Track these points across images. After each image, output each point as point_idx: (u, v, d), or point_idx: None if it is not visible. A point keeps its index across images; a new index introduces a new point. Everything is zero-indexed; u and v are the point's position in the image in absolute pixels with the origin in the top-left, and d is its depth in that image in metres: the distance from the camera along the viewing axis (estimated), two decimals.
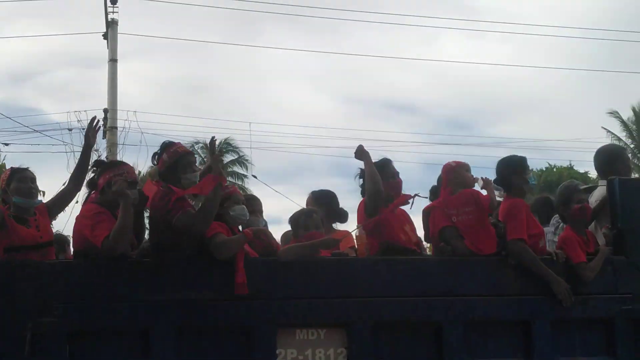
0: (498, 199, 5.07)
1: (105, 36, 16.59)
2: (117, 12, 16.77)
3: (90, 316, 3.92)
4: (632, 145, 37.50)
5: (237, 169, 43.16)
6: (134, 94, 62.08)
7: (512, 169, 4.91)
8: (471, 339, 4.37)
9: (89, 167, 4.56)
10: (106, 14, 16.72)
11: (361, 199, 4.91)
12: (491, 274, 4.58)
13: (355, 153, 4.73)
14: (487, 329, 4.48)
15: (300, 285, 4.24)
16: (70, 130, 16.82)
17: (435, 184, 5.15)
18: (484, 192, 4.91)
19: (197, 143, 38.01)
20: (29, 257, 4.09)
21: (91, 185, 4.28)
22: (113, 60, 16.48)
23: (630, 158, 35.67)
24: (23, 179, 4.32)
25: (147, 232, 4.66)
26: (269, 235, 4.62)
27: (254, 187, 41.08)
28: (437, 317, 4.36)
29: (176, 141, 4.48)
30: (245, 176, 41.10)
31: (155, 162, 4.48)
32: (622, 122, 37.70)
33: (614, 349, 4.57)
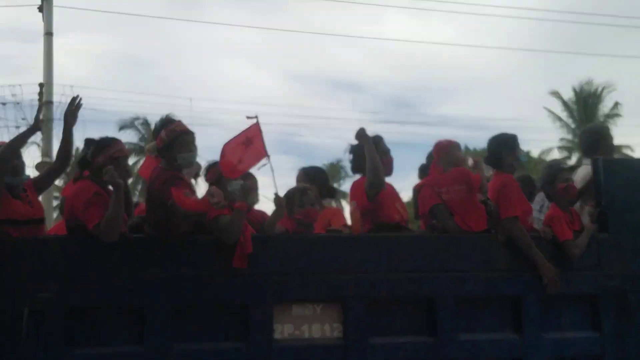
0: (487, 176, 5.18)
1: (40, 9, 16.20)
2: None
3: (87, 292, 3.92)
4: (573, 125, 38.78)
5: None
6: (71, 68, 61.11)
7: (503, 146, 4.98)
8: (463, 313, 4.46)
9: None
10: None
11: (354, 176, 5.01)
12: (481, 251, 4.67)
13: (355, 135, 4.75)
14: (478, 304, 4.56)
15: (295, 262, 4.29)
16: (4, 104, 16.71)
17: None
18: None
19: (136, 119, 38.00)
20: (23, 232, 4.10)
21: (83, 164, 4.25)
22: (49, 34, 16.15)
23: (572, 138, 37.08)
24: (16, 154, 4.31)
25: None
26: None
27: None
28: (429, 292, 4.43)
29: (176, 119, 4.46)
30: None
31: (154, 137, 4.47)
32: (563, 102, 38.94)
33: (599, 324, 4.70)
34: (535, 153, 38.29)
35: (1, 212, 4.09)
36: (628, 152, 33.42)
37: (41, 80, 16.16)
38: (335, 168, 41.43)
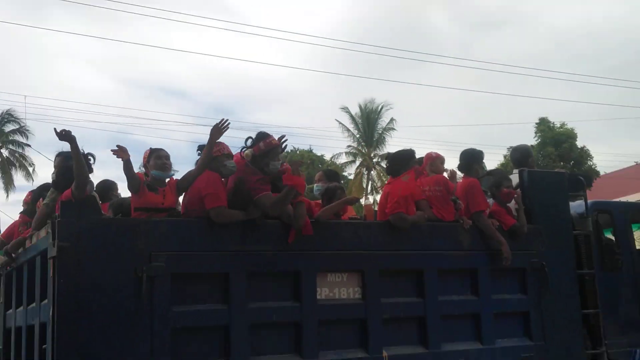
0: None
1: None
2: None
3: (187, 262, 4.70)
4: (357, 135, 44.16)
5: (18, 137, 41.98)
6: None
7: (474, 158, 6.27)
8: (441, 281, 5.65)
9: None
10: None
11: None
12: (452, 236, 5.85)
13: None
14: (451, 274, 5.77)
15: (331, 242, 5.28)
16: None
17: None
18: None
19: None
20: (152, 217, 4.78)
21: None
22: None
23: (356, 145, 42.14)
24: (159, 157, 5.06)
25: None
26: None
27: (34, 157, 40.46)
28: (419, 266, 5.62)
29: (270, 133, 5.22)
30: (28, 145, 40.36)
31: (246, 144, 5.20)
32: (351, 116, 44.27)
33: (526, 289, 6.08)
34: (327, 157, 45.23)
35: (139, 201, 4.87)
36: None
37: None
38: None
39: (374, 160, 42.19)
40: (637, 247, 7.64)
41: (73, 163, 4.72)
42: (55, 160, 5.88)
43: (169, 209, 5.04)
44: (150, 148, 5.14)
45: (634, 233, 7.63)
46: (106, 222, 4.69)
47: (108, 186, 6.24)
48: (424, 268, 5.65)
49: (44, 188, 6.02)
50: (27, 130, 42.53)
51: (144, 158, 5.16)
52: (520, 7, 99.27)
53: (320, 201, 5.88)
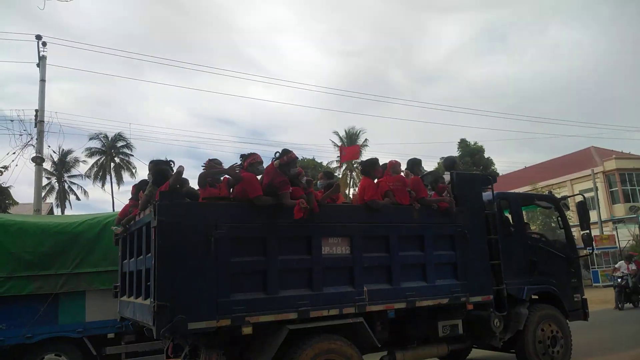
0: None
1: (37, 65, 15.52)
2: None
3: (240, 230, 4.71)
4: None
5: (126, 150, 42.97)
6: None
7: (416, 164, 6.46)
8: (400, 243, 5.65)
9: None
10: None
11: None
12: (407, 214, 5.87)
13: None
14: (406, 239, 5.75)
15: (331, 216, 5.30)
16: (12, 121, 16.02)
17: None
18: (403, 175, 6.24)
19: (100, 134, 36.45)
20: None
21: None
22: (42, 80, 15.40)
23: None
24: (213, 165, 5.11)
25: None
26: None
27: (136, 162, 40.46)
28: (386, 232, 5.60)
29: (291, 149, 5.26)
30: (132, 155, 41.52)
31: (276, 156, 5.21)
32: (339, 137, 44.18)
33: (454, 248, 6.07)
34: (324, 163, 43.41)
35: (204, 194, 4.99)
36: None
37: (36, 106, 15.42)
38: None
39: (354, 166, 42.08)
40: (524, 222, 7.69)
41: (176, 172, 4.86)
42: (149, 164, 5.91)
43: (224, 198, 5.08)
44: (209, 159, 5.13)
45: (523, 212, 7.66)
46: (189, 204, 4.70)
47: (166, 173, 5.81)
48: (389, 234, 5.65)
49: (142, 183, 6.08)
50: (131, 145, 42.83)
51: (206, 164, 5.19)
52: (448, 67, 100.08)
53: (322, 191, 5.93)
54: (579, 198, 7.98)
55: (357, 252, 5.37)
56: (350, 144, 43.44)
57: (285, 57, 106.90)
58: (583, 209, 7.51)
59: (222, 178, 5.24)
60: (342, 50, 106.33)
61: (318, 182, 5.80)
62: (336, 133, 44.65)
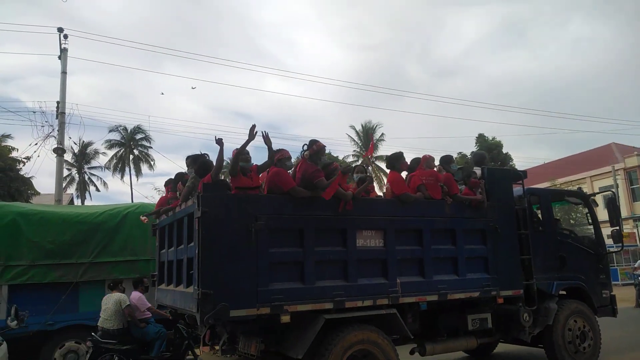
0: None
1: (59, 57, 15.63)
2: None
3: (278, 221, 4.80)
4: (360, 143, 43.50)
5: (144, 142, 43.66)
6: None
7: (447, 161, 6.46)
8: (432, 236, 5.71)
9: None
10: None
11: None
12: (440, 208, 5.92)
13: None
14: (438, 233, 5.79)
15: (364, 211, 5.36)
16: (34, 112, 16.29)
17: None
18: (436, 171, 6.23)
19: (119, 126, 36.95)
20: (246, 193, 4.88)
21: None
22: (64, 72, 15.52)
23: (359, 150, 41.56)
24: (243, 154, 5.11)
25: None
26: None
27: (154, 154, 40.99)
28: (418, 226, 5.67)
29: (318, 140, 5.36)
30: (151, 147, 42.11)
31: (305, 148, 5.33)
32: (356, 131, 44.09)
33: (486, 242, 6.13)
34: (340, 157, 42.78)
35: (237, 183, 4.98)
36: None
37: (58, 99, 15.60)
38: None
39: (371, 160, 42.04)
40: (555, 217, 7.67)
41: (216, 159, 4.89)
42: (186, 160, 5.99)
43: (256, 187, 5.10)
44: (236, 148, 5.11)
45: (553, 208, 7.64)
46: (231, 196, 4.78)
47: (209, 165, 5.60)
48: (422, 228, 5.70)
49: (179, 176, 6.17)
50: (150, 138, 43.34)
51: (233, 154, 5.18)
52: (465, 62, 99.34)
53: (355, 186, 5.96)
54: (609, 194, 7.93)
55: (391, 244, 5.43)
56: (366, 138, 43.48)
57: (302, 52, 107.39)
58: (613, 205, 7.49)
59: (250, 167, 5.27)
60: (360, 45, 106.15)
61: (354, 175, 5.85)
62: (352, 127, 44.56)
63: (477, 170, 6.60)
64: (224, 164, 5.54)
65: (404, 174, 6.12)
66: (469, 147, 39.66)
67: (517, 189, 6.95)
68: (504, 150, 38.84)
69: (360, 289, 5.13)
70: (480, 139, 39.49)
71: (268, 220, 4.74)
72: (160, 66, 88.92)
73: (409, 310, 5.71)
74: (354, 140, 44.09)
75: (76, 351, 7.03)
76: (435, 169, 6.30)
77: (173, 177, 6.38)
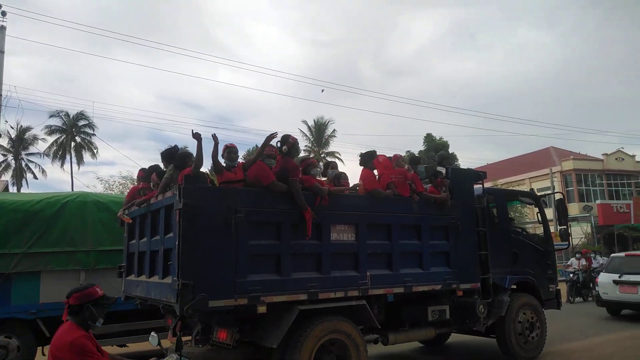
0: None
1: None
2: None
3: (258, 214, 4.87)
4: (312, 139, 44.20)
5: (87, 129, 41.72)
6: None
7: (415, 162, 6.77)
8: (400, 231, 5.93)
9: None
10: None
11: None
12: (408, 205, 6.14)
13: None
14: (406, 228, 6.02)
15: (338, 206, 5.48)
16: None
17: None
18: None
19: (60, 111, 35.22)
20: (231, 186, 4.93)
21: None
22: (1, 52, 14.31)
23: (311, 146, 41.70)
24: (230, 152, 5.21)
25: None
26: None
27: (98, 142, 39.55)
28: (388, 221, 5.86)
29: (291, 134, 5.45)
30: (94, 134, 40.29)
31: (280, 144, 5.37)
32: (308, 126, 44.34)
33: (448, 238, 6.42)
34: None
35: (222, 178, 5.02)
36: (337, 159, 38.87)
37: None
38: None
39: (322, 155, 42.41)
40: (510, 216, 8.12)
41: (196, 153, 4.83)
42: (161, 154, 5.87)
43: (240, 181, 5.13)
44: (226, 145, 5.15)
45: (508, 207, 8.08)
46: (212, 188, 4.82)
47: (186, 155, 5.55)
48: (391, 224, 5.90)
49: (153, 168, 6.06)
50: (94, 125, 41.50)
51: (223, 151, 5.25)
52: (417, 63, 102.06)
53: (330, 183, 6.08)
54: (559, 196, 8.49)
55: (362, 239, 5.61)
56: (318, 133, 43.79)
57: (256, 43, 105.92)
58: (562, 205, 8.05)
59: (236, 163, 5.33)
60: (314, 40, 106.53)
61: (329, 171, 5.98)
62: (305, 122, 44.84)
63: (442, 170, 6.88)
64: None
65: (375, 172, 6.32)
66: (418, 146, 40.89)
67: (477, 188, 7.31)
68: (450, 150, 40.22)
69: (333, 281, 5.28)
70: (428, 138, 40.76)
71: (248, 213, 4.80)
72: (107, 51, 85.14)
73: (377, 302, 5.95)
74: (306, 135, 44.37)
75: (6, 346, 6.51)
76: (405, 166, 6.54)
77: (147, 167, 6.27)
